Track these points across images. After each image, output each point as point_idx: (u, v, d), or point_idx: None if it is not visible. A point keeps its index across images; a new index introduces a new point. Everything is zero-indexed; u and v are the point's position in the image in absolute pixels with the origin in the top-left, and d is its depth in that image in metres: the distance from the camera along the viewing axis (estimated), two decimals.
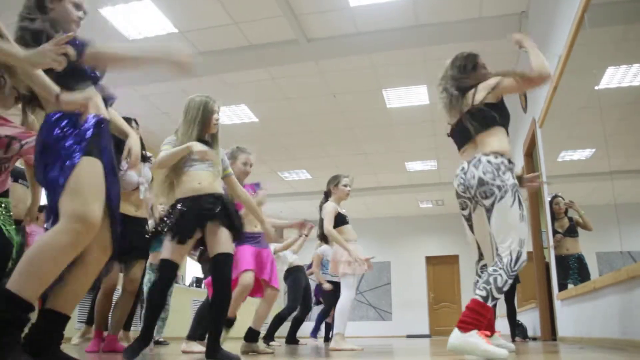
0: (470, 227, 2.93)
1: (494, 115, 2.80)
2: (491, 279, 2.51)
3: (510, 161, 2.74)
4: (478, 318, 2.46)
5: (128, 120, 4.06)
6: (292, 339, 6.79)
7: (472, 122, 2.81)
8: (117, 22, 5.85)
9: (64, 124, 1.97)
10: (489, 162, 2.70)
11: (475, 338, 2.42)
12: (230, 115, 8.49)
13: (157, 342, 5.93)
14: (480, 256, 2.97)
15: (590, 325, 4.09)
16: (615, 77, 3.52)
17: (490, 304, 2.48)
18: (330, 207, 4.58)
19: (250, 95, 7.86)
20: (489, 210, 2.70)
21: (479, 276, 2.93)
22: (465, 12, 5.81)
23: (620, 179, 3.47)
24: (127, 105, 7.89)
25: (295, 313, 6.56)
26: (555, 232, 5.15)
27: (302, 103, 8.11)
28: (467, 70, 3.02)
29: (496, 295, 2.49)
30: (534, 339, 6.70)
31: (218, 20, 5.94)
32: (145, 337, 2.86)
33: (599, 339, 3.79)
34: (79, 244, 1.86)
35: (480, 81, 2.89)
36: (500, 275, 2.53)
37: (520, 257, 2.63)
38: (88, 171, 1.94)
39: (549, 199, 5.30)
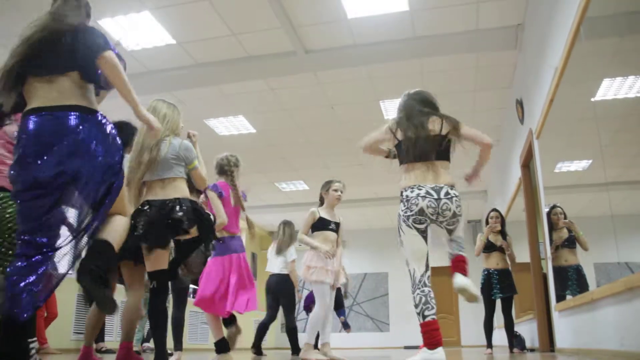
0: (425, 238, 3.22)
1: (450, 154, 3.29)
2: (462, 245, 3.24)
3: None
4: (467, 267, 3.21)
5: (131, 126, 4.10)
6: (258, 349, 6.52)
7: (446, 145, 3.26)
8: (116, 33, 5.87)
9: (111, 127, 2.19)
10: (456, 196, 3.15)
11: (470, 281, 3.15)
12: (228, 126, 8.51)
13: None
14: (427, 268, 3.21)
15: (588, 337, 4.08)
16: (611, 88, 3.54)
17: None
18: (309, 213, 4.67)
19: (248, 106, 7.88)
20: (450, 232, 3.22)
21: (432, 300, 3.14)
22: (462, 24, 5.85)
23: (617, 190, 3.49)
24: (124, 112, 7.90)
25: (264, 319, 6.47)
26: (552, 242, 5.15)
27: (300, 114, 8.13)
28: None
29: None
30: (532, 350, 6.68)
31: (216, 31, 5.97)
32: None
33: (596, 350, 3.78)
34: None
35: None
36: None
37: None
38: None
39: (547, 209, 5.31)
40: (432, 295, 3.07)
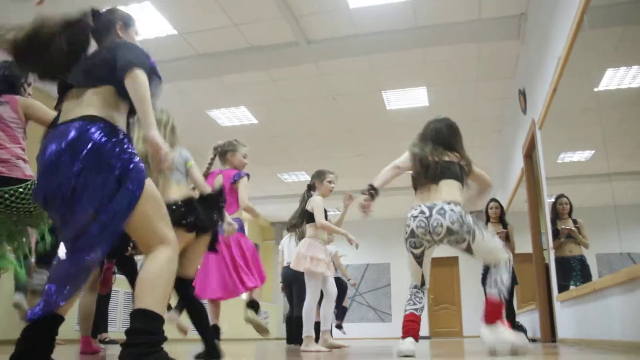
0: (420, 263, 3.22)
1: (465, 174, 3.29)
2: (499, 281, 3.03)
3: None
4: (500, 311, 3.04)
5: None
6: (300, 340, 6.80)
7: (458, 170, 3.24)
8: None
9: (125, 139, 1.97)
10: (452, 211, 3.02)
11: (501, 328, 2.97)
12: (230, 117, 8.50)
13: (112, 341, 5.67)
14: (423, 283, 3.28)
15: (590, 327, 4.08)
16: (615, 78, 3.52)
17: (504, 299, 3.04)
18: (320, 200, 4.62)
19: (250, 97, 7.87)
20: (467, 250, 3.09)
21: (417, 298, 3.27)
22: (464, 14, 5.82)
23: (619, 181, 3.48)
24: None
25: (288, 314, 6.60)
26: (557, 231, 5.12)
27: (302, 105, 8.11)
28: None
29: (506, 292, 3.06)
30: (534, 340, 6.70)
31: (217, 22, 5.95)
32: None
33: (598, 340, 3.79)
34: None
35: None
36: (505, 278, 3.05)
37: (509, 258, 3.12)
38: (156, 191, 2.00)
39: (552, 199, 5.29)
40: (419, 295, 3.24)
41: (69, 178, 1.82)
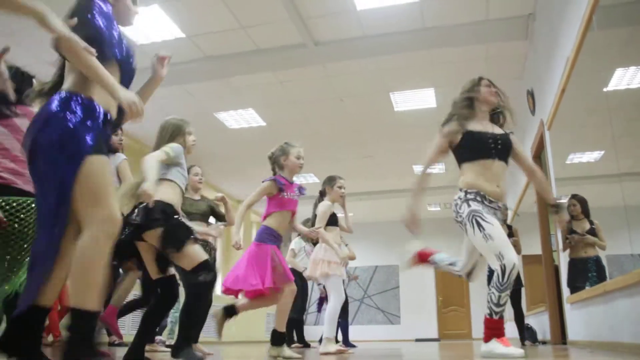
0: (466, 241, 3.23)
1: (460, 154, 3.22)
2: (488, 298, 2.93)
3: (467, 192, 3.07)
4: (492, 331, 2.94)
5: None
6: (302, 343, 6.81)
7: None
8: (126, 27, 5.87)
9: (78, 110, 1.90)
10: (454, 198, 3.12)
11: (493, 344, 2.90)
12: (238, 120, 8.51)
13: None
14: (462, 266, 3.32)
15: (601, 329, 4.05)
16: (624, 78, 3.50)
17: (496, 317, 2.93)
18: (325, 207, 4.61)
19: (258, 99, 7.88)
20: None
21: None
22: (472, 15, 5.80)
23: (629, 181, 3.45)
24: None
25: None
26: (573, 232, 5.05)
27: (310, 107, 8.11)
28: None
29: (497, 309, 2.91)
30: (544, 342, 6.66)
31: (225, 24, 5.96)
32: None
33: (609, 342, 3.76)
34: (112, 245, 1.89)
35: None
36: (492, 293, 2.90)
37: (505, 270, 2.84)
38: (99, 170, 1.89)
39: (561, 200, 5.24)
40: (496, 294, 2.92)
41: (28, 142, 1.90)
